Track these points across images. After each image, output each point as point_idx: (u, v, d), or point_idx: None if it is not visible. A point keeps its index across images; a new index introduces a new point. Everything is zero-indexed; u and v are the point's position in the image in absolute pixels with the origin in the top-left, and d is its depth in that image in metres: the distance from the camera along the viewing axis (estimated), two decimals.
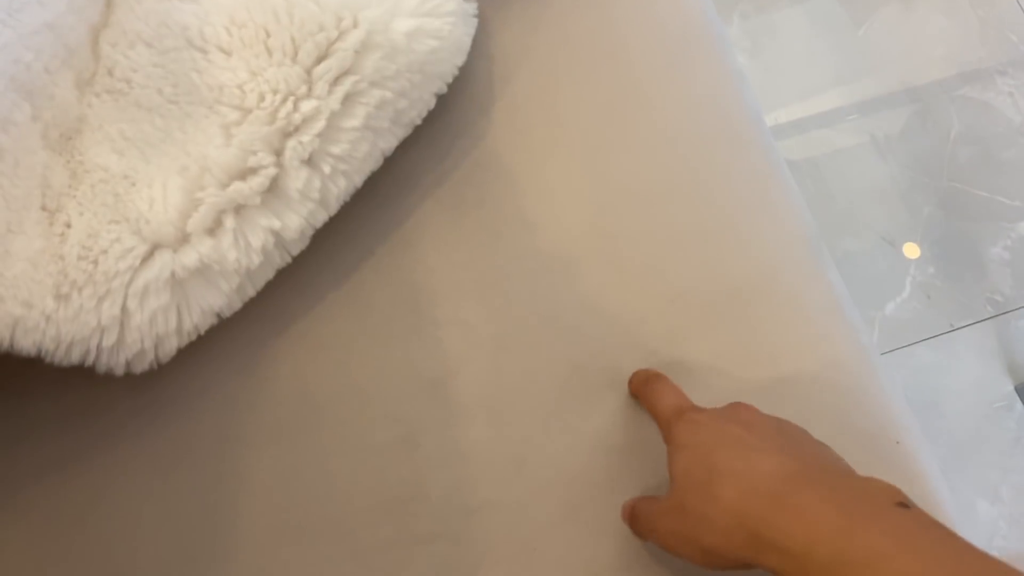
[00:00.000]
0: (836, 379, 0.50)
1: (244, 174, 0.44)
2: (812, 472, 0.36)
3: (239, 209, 0.44)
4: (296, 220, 0.45)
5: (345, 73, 0.44)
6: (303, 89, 0.44)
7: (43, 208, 0.41)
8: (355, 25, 0.45)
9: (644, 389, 0.46)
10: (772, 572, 0.34)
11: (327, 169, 0.45)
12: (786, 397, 0.49)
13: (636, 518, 0.43)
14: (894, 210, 1.13)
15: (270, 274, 0.47)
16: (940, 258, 1.11)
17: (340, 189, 0.47)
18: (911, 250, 1.10)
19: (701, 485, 0.37)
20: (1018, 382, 1.05)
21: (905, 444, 0.50)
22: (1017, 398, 1.05)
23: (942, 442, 1.03)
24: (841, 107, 1.19)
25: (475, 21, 0.51)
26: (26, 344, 0.40)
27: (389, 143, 0.48)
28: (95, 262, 0.41)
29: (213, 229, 0.44)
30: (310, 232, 0.47)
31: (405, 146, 0.50)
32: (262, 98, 0.44)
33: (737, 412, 0.41)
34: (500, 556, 0.46)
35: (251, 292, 0.47)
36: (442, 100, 0.50)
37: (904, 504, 0.33)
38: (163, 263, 0.42)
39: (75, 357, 0.42)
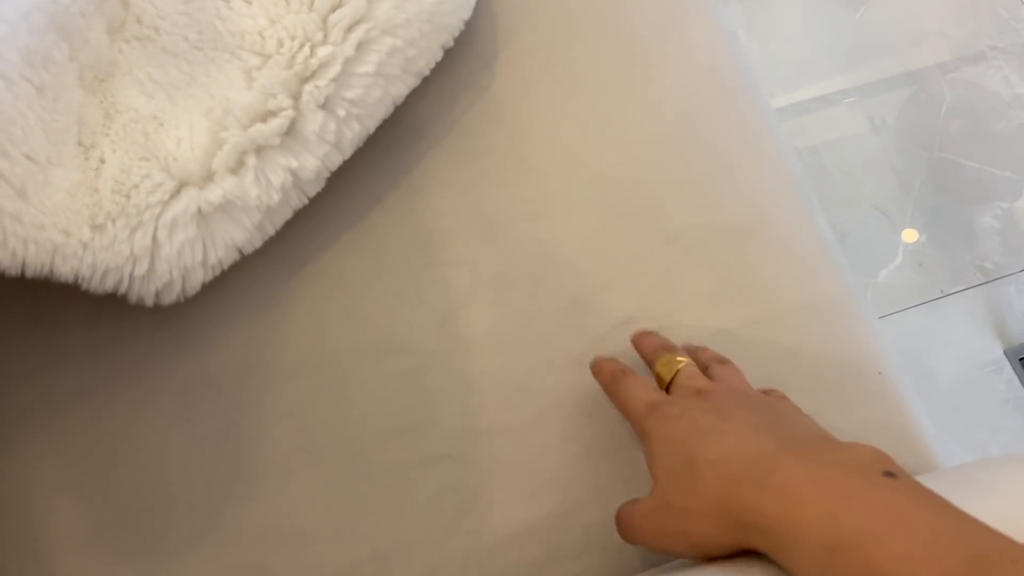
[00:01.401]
0: (822, 314, 0.53)
1: (264, 116, 0.46)
2: (791, 448, 0.36)
3: (260, 149, 0.47)
4: (312, 161, 0.48)
5: (359, 21, 0.47)
6: (319, 36, 0.47)
7: (79, 144, 0.44)
8: None
9: (613, 388, 0.46)
10: (765, 552, 0.34)
11: (342, 113, 0.48)
12: (775, 331, 0.52)
13: (622, 524, 0.42)
14: (887, 181, 1.16)
15: (288, 213, 0.50)
16: (931, 227, 1.14)
17: (354, 133, 0.49)
18: (909, 235, 1.13)
19: (682, 479, 0.37)
20: (1007, 346, 1.08)
21: (887, 375, 0.53)
22: (1006, 361, 1.08)
23: (933, 404, 1.05)
24: (835, 81, 1.22)
25: None
26: (65, 271, 0.43)
27: (399, 90, 0.51)
28: (127, 196, 0.44)
29: (236, 168, 0.46)
30: (326, 174, 0.50)
31: (414, 98, 0.53)
32: (281, 44, 0.47)
33: (708, 397, 0.41)
34: (505, 475, 0.49)
35: (270, 230, 0.49)
36: (448, 54, 0.53)
37: (891, 472, 0.32)
38: (190, 198, 0.45)
39: (109, 285, 0.45)
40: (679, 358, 0.45)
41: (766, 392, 0.47)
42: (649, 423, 0.41)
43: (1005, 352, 1.08)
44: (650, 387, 0.44)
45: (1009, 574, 0.26)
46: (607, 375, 0.47)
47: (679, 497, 0.37)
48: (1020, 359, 1.06)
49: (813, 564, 0.30)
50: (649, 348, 0.48)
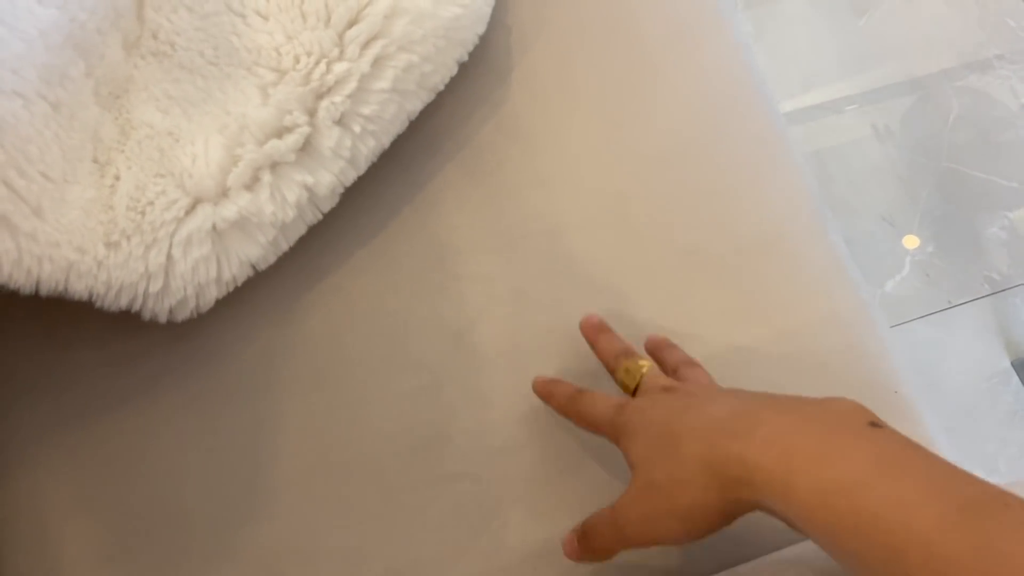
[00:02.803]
0: (836, 332, 0.53)
1: (280, 132, 0.46)
2: (773, 404, 0.35)
3: (275, 166, 0.47)
4: (328, 177, 0.48)
5: (375, 37, 0.47)
6: (335, 52, 0.47)
7: (94, 160, 0.43)
8: None
9: (572, 407, 0.44)
10: (756, 508, 0.33)
11: (357, 129, 0.48)
12: (789, 348, 0.52)
13: (591, 535, 0.40)
14: (894, 191, 1.16)
15: (303, 229, 0.50)
16: (939, 237, 1.14)
17: (369, 149, 0.49)
18: (910, 241, 1.13)
19: (664, 454, 0.36)
20: (1014, 357, 1.08)
21: (903, 394, 0.53)
22: (1014, 373, 1.07)
23: (941, 415, 1.05)
24: (841, 88, 1.22)
25: None
26: (79, 288, 0.43)
27: (415, 106, 0.51)
28: (142, 212, 0.44)
29: (251, 184, 0.46)
30: (340, 190, 0.50)
31: (429, 112, 0.52)
32: (297, 60, 0.46)
33: (676, 392, 0.41)
34: (520, 494, 0.48)
35: (285, 246, 0.49)
36: (463, 69, 0.53)
37: (875, 423, 0.32)
38: (205, 215, 0.45)
39: (123, 302, 0.44)
40: (641, 362, 0.44)
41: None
42: (621, 419, 0.40)
43: (1012, 363, 1.08)
44: (612, 397, 0.43)
45: (1004, 516, 0.26)
46: (562, 398, 0.46)
47: (662, 472, 0.36)
48: None
49: (803, 510, 0.30)
50: (610, 354, 0.46)
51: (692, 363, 0.46)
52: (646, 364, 0.44)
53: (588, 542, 0.40)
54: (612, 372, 0.46)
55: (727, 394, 0.39)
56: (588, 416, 0.43)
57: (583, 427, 0.44)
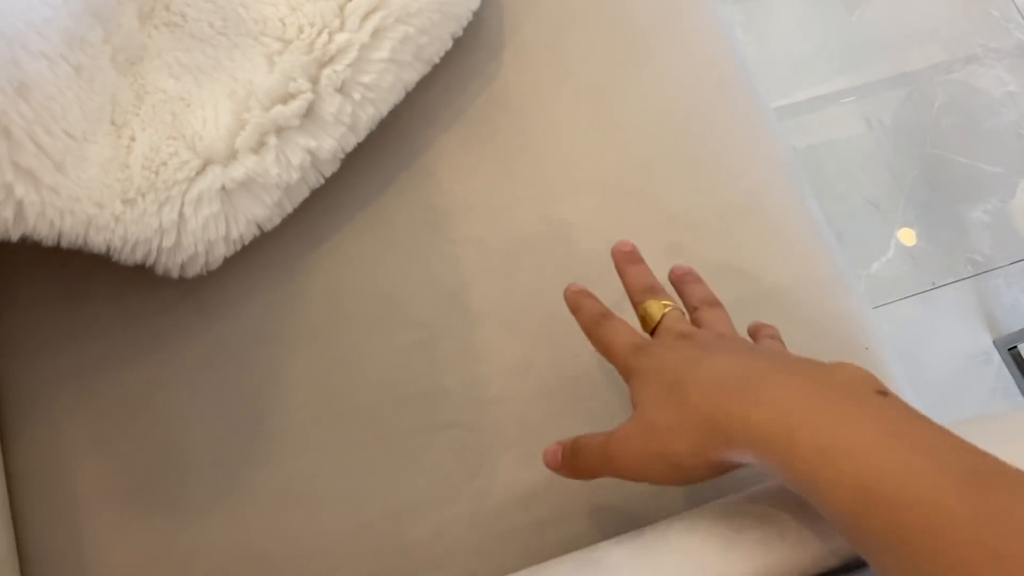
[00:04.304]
0: (812, 292, 0.56)
1: (285, 98, 0.49)
2: (784, 364, 0.35)
3: (280, 130, 0.49)
4: (330, 142, 0.51)
5: (374, 9, 0.50)
6: (337, 23, 0.50)
7: (112, 122, 0.46)
8: None
9: (595, 329, 0.44)
10: (752, 464, 0.33)
11: (357, 96, 0.51)
12: (767, 307, 0.55)
13: (580, 454, 0.41)
14: (880, 176, 1.19)
15: (305, 192, 0.52)
16: (924, 220, 1.17)
17: (368, 116, 0.52)
18: (906, 235, 1.16)
19: (669, 400, 0.36)
20: (996, 336, 1.11)
21: (874, 350, 0.56)
22: (995, 351, 1.10)
23: (924, 393, 1.08)
24: (831, 80, 1.25)
25: None
26: (98, 241, 0.46)
27: (411, 76, 0.53)
28: (156, 172, 0.47)
29: (257, 147, 0.49)
30: (341, 155, 0.52)
31: (425, 84, 0.55)
32: (301, 30, 0.49)
33: (693, 339, 0.41)
34: (510, 442, 0.51)
35: (289, 208, 0.52)
36: (457, 44, 0.56)
37: (883, 391, 0.32)
38: (214, 175, 0.48)
39: (139, 256, 0.47)
40: (665, 302, 0.44)
41: (758, 327, 0.47)
42: (634, 361, 0.40)
43: (994, 342, 1.11)
44: (634, 331, 0.43)
45: (1000, 482, 0.27)
46: (588, 315, 0.45)
47: (664, 417, 0.36)
48: (1009, 349, 1.09)
49: (805, 471, 0.30)
50: (636, 287, 0.46)
51: (714, 303, 0.45)
52: (670, 305, 0.44)
53: (574, 460, 0.41)
54: (635, 305, 0.45)
55: (740, 350, 0.39)
56: (607, 343, 0.43)
57: (599, 351, 0.44)
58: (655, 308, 0.43)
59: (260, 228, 0.51)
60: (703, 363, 0.37)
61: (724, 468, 0.35)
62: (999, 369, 1.10)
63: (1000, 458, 0.28)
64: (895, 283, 1.13)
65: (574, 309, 0.46)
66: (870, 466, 0.28)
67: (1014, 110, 1.24)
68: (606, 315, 0.44)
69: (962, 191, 1.19)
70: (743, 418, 0.32)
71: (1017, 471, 0.27)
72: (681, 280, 0.47)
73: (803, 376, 0.33)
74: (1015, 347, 1.09)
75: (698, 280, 0.47)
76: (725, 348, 0.39)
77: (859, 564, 0.36)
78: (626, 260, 0.47)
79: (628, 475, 0.38)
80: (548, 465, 0.43)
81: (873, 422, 0.30)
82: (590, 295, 0.46)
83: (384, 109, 0.53)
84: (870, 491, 0.28)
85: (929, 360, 1.10)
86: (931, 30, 1.28)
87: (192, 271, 0.50)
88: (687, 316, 0.44)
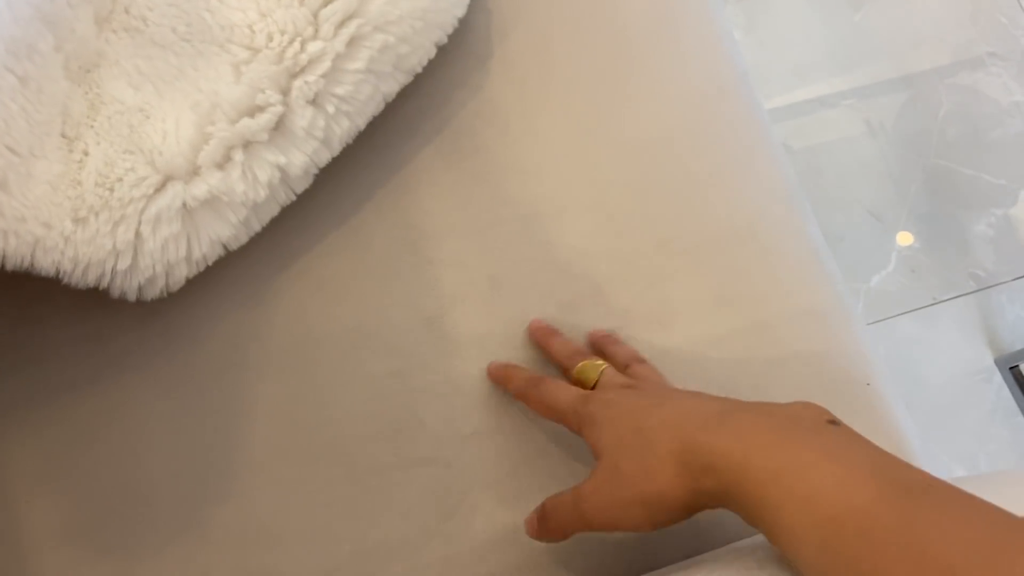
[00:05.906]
0: (812, 323, 0.53)
1: (252, 111, 0.46)
2: (741, 404, 0.38)
3: (247, 145, 0.46)
4: (300, 157, 0.47)
5: (350, 16, 0.46)
6: (310, 31, 0.46)
7: (63, 135, 0.43)
8: None
9: (534, 393, 0.45)
10: (713, 501, 0.35)
11: (331, 109, 0.47)
12: (764, 339, 0.52)
13: (551, 515, 0.41)
14: (882, 185, 1.16)
15: (275, 210, 0.49)
16: (925, 233, 1.14)
17: (343, 129, 0.49)
18: (904, 237, 1.13)
19: (633, 444, 0.37)
20: (997, 355, 1.08)
21: (875, 386, 0.53)
22: (996, 370, 1.08)
23: (923, 411, 1.06)
24: (832, 83, 1.22)
25: None
26: (46, 264, 0.42)
27: (391, 87, 0.50)
28: (111, 189, 0.44)
29: (222, 163, 0.46)
30: (314, 170, 0.49)
31: (406, 95, 0.52)
32: (270, 38, 0.46)
33: (638, 389, 0.42)
34: (488, 480, 0.48)
35: (257, 227, 0.49)
36: (442, 52, 0.53)
37: (834, 422, 0.35)
38: (175, 193, 0.45)
39: (91, 279, 0.44)
40: (598, 362, 0.45)
41: (630, 356, 0.48)
42: (586, 410, 0.41)
43: (996, 361, 1.08)
44: (573, 387, 0.44)
45: (929, 496, 0.29)
46: (521, 382, 0.46)
47: (631, 461, 0.37)
48: (1010, 368, 1.06)
49: (756, 489, 0.32)
50: (564, 355, 0.47)
51: (641, 359, 0.47)
52: (603, 364, 0.45)
53: (546, 523, 0.41)
54: (566, 371, 0.47)
55: (692, 395, 0.40)
56: (550, 403, 0.44)
57: (541, 413, 0.45)
58: (590, 369, 0.45)
59: (225, 248, 0.48)
60: (664, 406, 0.38)
61: (694, 508, 0.36)
62: (1000, 389, 1.07)
63: (928, 472, 0.31)
64: (895, 297, 1.10)
65: (503, 381, 0.48)
66: (813, 482, 0.31)
67: (1021, 120, 1.21)
68: (541, 378, 0.46)
69: (966, 203, 1.16)
70: (708, 448, 0.35)
71: (947, 485, 0.30)
72: (604, 342, 0.49)
73: (759, 412, 0.36)
74: (1016, 366, 1.06)
75: (619, 341, 0.50)
76: (677, 393, 0.41)
77: None
78: (546, 335, 0.49)
79: (603, 526, 0.39)
80: (529, 535, 0.43)
81: (819, 446, 0.33)
82: (513, 365, 0.49)
83: (361, 122, 0.50)
84: (813, 504, 0.30)
85: (928, 378, 1.07)
86: (936, 34, 1.25)
87: (151, 294, 0.47)
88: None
